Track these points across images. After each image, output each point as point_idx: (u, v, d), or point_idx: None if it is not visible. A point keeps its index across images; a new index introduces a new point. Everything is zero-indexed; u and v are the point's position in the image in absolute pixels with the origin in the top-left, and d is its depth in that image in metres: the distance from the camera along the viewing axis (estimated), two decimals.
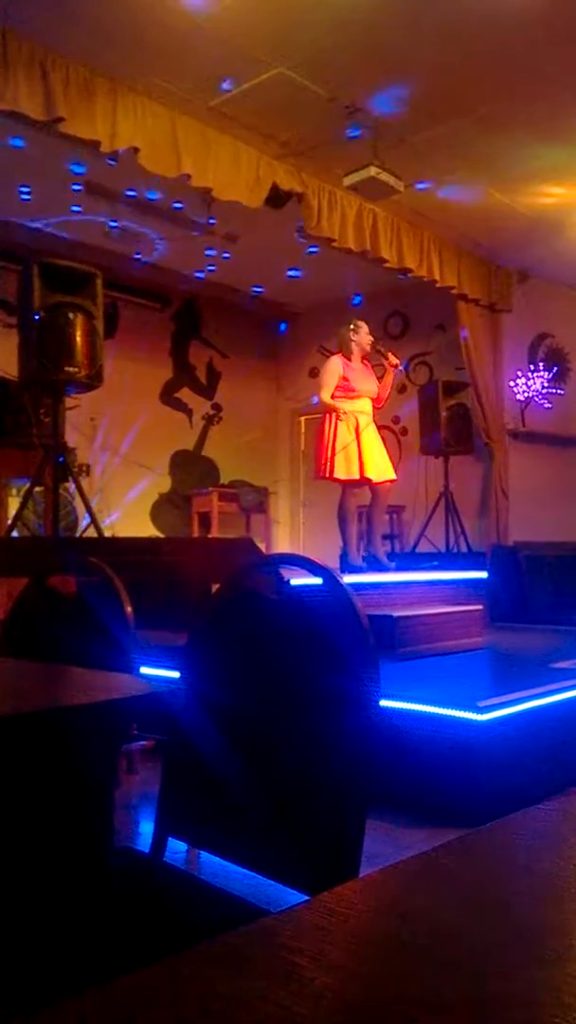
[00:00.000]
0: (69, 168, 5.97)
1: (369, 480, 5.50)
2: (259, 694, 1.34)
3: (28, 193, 6.42)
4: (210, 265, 7.99)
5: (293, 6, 4.31)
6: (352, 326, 5.70)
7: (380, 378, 5.72)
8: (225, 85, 5.01)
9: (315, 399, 5.70)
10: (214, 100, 5.15)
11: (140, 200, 6.54)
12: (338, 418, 5.47)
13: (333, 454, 5.45)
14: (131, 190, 6.38)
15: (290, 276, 8.14)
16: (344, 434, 5.45)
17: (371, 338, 5.72)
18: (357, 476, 5.45)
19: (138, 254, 7.64)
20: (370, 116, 5.31)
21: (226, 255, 7.71)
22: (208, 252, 7.64)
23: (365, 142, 5.50)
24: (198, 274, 8.14)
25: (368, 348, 5.68)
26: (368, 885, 0.70)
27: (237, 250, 7.55)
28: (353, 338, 5.64)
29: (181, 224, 6.96)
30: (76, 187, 6.33)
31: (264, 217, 6.13)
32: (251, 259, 7.77)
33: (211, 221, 6.65)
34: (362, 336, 5.66)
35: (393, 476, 5.68)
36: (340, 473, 5.45)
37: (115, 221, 6.97)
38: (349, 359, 5.61)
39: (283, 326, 9.74)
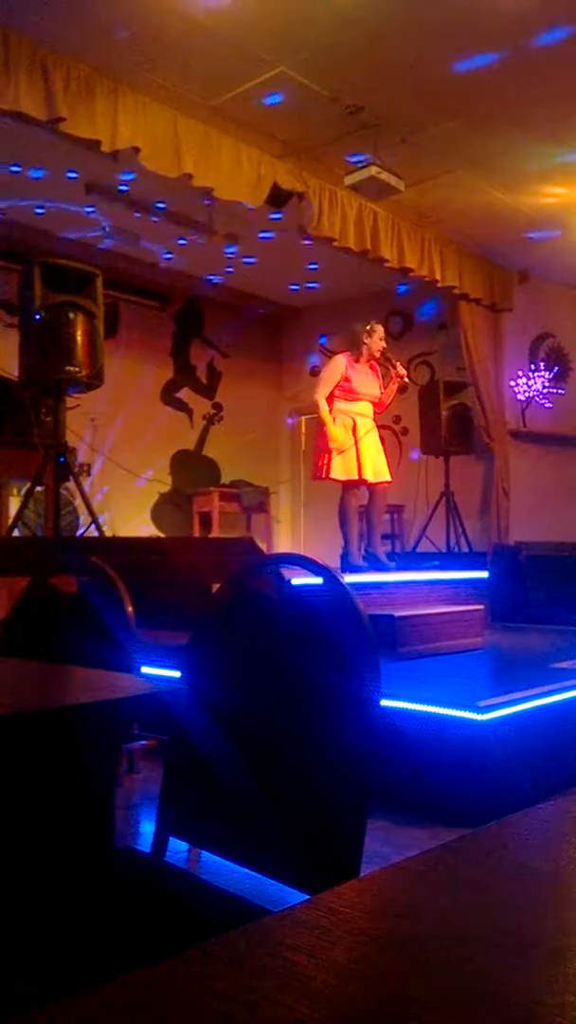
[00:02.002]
0: (70, 167, 5.97)
1: (365, 481, 5.49)
2: (260, 694, 1.34)
3: (29, 191, 6.42)
4: (213, 276, 7.99)
5: (294, 6, 4.31)
6: (368, 327, 5.63)
7: (385, 385, 5.68)
8: (227, 84, 5.01)
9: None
10: (215, 99, 5.15)
11: (140, 199, 6.54)
12: (336, 419, 5.46)
13: (330, 454, 5.44)
14: (131, 189, 6.38)
15: (310, 287, 8.08)
16: (342, 436, 5.44)
17: (383, 344, 5.65)
18: (355, 476, 5.44)
19: (137, 253, 7.63)
20: (371, 115, 5.31)
21: (227, 258, 7.71)
22: (209, 255, 7.64)
23: (366, 141, 5.50)
24: (212, 277, 8.13)
25: (377, 353, 5.63)
26: (368, 884, 0.70)
27: (238, 249, 7.55)
28: (366, 340, 5.57)
29: (182, 224, 6.96)
30: (72, 177, 6.32)
31: (265, 217, 6.14)
32: (252, 258, 7.77)
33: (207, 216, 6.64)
34: (374, 340, 5.59)
35: (389, 478, 5.66)
36: (337, 474, 5.44)
37: (114, 221, 6.97)
38: (356, 360, 5.58)
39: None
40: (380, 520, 5.93)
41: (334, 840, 1.13)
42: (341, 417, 5.46)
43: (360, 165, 5.47)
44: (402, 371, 5.62)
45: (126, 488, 8.06)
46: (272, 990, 0.49)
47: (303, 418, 9.63)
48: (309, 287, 8.61)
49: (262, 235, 7.10)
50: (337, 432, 5.42)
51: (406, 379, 5.73)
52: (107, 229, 7.12)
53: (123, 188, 6.32)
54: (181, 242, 7.37)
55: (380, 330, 5.65)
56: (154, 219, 6.90)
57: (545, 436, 8.10)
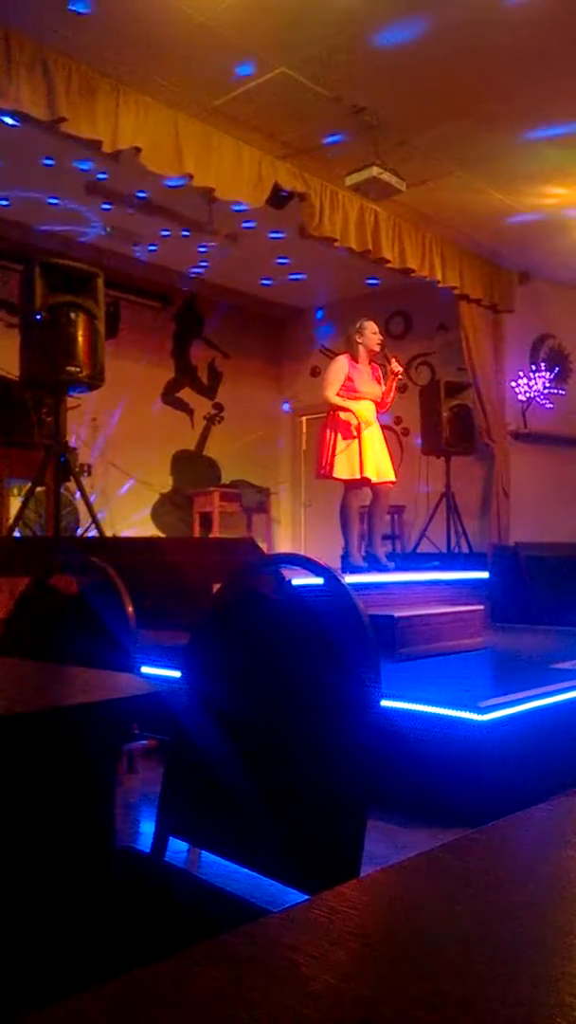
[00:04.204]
0: (71, 167, 5.97)
1: (368, 480, 5.49)
2: (260, 694, 1.34)
3: (30, 192, 6.42)
4: (209, 260, 7.98)
5: (295, 6, 4.31)
6: (357, 327, 5.65)
7: (386, 383, 5.67)
8: (228, 85, 5.01)
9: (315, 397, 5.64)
10: (216, 100, 5.15)
11: (141, 199, 6.55)
12: (339, 418, 5.46)
13: (334, 453, 5.44)
14: (133, 190, 6.38)
15: (284, 263, 8.07)
16: (346, 434, 5.45)
17: (379, 338, 5.65)
18: (359, 476, 5.44)
19: (139, 253, 7.64)
20: (372, 116, 5.31)
21: (227, 258, 7.71)
22: (209, 256, 7.64)
23: (367, 142, 5.50)
24: (195, 270, 8.13)
25: (376, 348, 5.63)
26: (368, 885, 0.70)
27: (239, 249, 7.55)
28: (358, 339, 5.59)
29: (183, 223, 6.96)
30: (76, 183, 6.33)
31: (266, 217, 6.14)
32: (253, 259, 7.78)
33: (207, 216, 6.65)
34: (367, 337, 5.59)
35: (393, 478, 5.66)
36: (341, 473, 5.44)
37: (116, 221, 6.97)
38: (356, 360, 5.59)
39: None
40: (382, 521, 5.93)
41: (334, 840, 1.13)
42: (345, 416, 5.47)
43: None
44: (397, 368, 5.61)
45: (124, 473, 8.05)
46: (272, 990, 0.49)
47: (303, 418, 9.63)
48: (310, 287, 8.59)
49: (263, 235, 7.09)
50: (362, 410, 5.44)
51: (402, 376, 5.71)
52: (108, 229, 7.12)
53: (124, 188, 6.32)
54: (181, 242, 7.37)
55: (371, 325, 5.64)
56: (155, 219, 6.91)
57: (546, 437, 8.10)
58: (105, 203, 6.62)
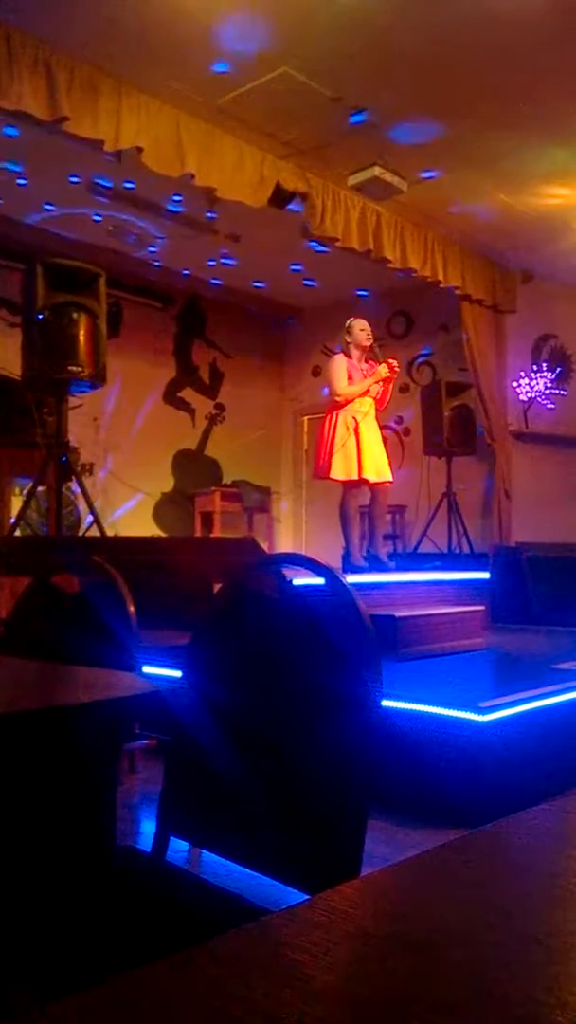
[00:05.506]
0: (72, 167, 5.97)
1: (366, 481, 5.49)
2: (261, 694, 1.34)
3: (32, 191, 6.42)
4: (211, 260, 7.98)
5: (298, 6, 4.31)
6: (346, 326, 5.68)
7: (381, 382, 5.63)
8: (230, 84, 5.01)
9: (324, 391, 5.62)
10: (219, 99, 5.15)
11: (143, 199, 6.55)
12: (338, 417, 5.47)
13: (331, 454, 5.44)
14: (135, 189, 6.38)
15: (294, 270, 8.10)
16: (343, 433, 5.45)
17: (367, 333, 5.65)
18: (355, 476, 5.44)
19: (141, 254, 7.64)
20: (374, 116, 5.31)
21: (229, 258, 7.71)
22: (211, 256, 7.65)
23: (369, 142, 5.50)
24: (198, 270, 8.14)
25: (366, 343, 5.63)
26: (369, 884, 0.70)
27: (240, 250, 7.55)
28: (347, 339, 5.62)
29: (184, 223, 6.96)
30: (75, 179, 6.33)
31: (267, 217, 6.14)
32: (254, 259, 7.77)
33: (211, 215, 6.65)
34: (355, 334, 5.61)
35: (390, 478, 5.65)
36: (337, 473, 5.44)
37: (118, 220, 6.97)
38: (352, 359, 5.61)
39: (290, 320, 9.69)
40: (383, 520, 5.93)
41: (335, 840, 1.13)
42: (344, 415, 5.47)
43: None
44: (388, 373, 5.57)
45: (127, 487, 8.07)
46: (273, 989, 0.49)
47: (305, 418, 9.63)
48: (312, 287, 8.59)
49: (264, 235, 7.08)
50: (360, 407, 5.45)
51: (396, 367, 5.65)
52: (109, 228, 7.12)
53: (126, 187, 6.32)
54: (183, 242, 7.37)
55: (359, 322, 5.65)
56: (156, 218, 6.91)
57: (547, 437, 8.09)
58: (107, 202, 6.62)
